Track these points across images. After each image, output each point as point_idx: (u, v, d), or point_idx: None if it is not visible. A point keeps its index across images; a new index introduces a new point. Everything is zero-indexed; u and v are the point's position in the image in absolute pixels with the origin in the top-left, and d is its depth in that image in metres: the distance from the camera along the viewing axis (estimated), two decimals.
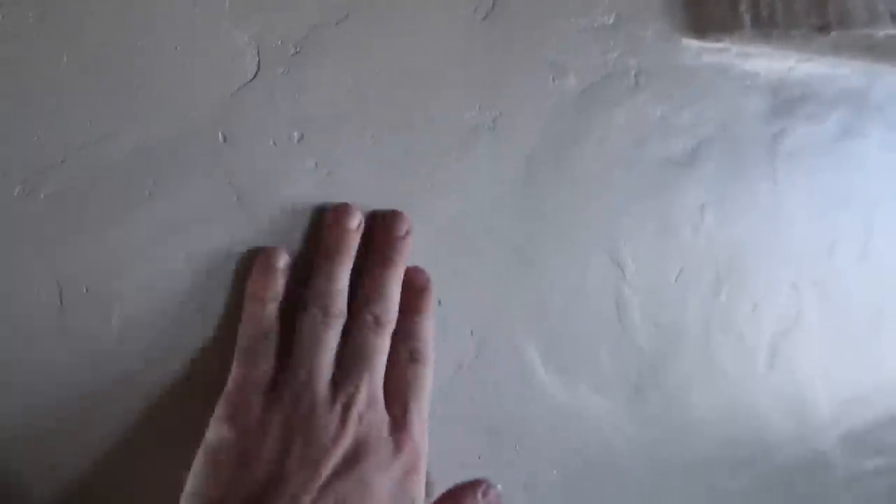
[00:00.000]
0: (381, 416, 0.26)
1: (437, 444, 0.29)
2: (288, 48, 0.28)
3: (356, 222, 0.28)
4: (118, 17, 0.25)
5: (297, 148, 0.29)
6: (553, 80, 0.35)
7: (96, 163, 0.26)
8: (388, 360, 0.27)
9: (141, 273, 0.26)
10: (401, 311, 0.28)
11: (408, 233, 0.29)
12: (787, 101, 0.43)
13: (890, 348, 0.51)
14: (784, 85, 0.43)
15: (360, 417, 0.25)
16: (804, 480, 0.47)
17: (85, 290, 0.26)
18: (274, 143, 0.28)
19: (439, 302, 0.31)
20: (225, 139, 0.27)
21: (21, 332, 0.25)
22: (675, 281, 0.39)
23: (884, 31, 0.42)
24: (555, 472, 0.36)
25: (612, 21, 0.36)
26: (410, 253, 0.29)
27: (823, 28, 0.41)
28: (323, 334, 0.26)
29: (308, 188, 0.29)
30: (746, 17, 0.39)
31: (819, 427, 0.47)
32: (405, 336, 0.28)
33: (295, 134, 0.29)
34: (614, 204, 0.37)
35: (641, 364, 0.39)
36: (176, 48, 0.26)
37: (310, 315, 0.26)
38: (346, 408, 0.25)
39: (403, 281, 0.29)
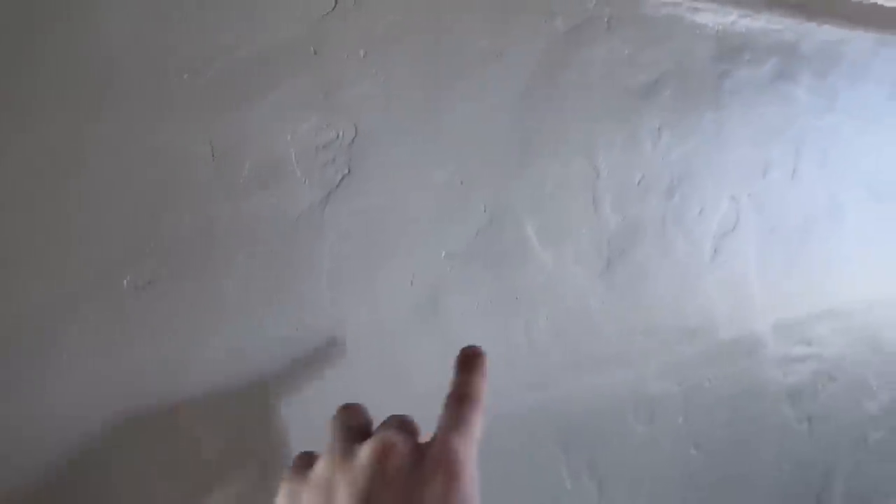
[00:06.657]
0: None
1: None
2: None
3: None
4: None
5: (363, 61, 0.40)
6: (544, 21, 0.46)
7: (228, 64, 0.36)
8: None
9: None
10: (457, 371, 0.33)
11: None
12: (730, 49, 0.55)
13: (817, 255, 0.63)
14: (727, 35, 0.55)
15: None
16: (742, 355, 0.59)
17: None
18: (347, 57, 0.39)
19: (461, 182, 0.42)
20: (315, 52, 0.38)
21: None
22: (638, 184, 0.51)
23: None
24: (546, 319, 0.47)
25: None
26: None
27: None
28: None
29: (368, 88, 0.40)
30: None
31: (754, 313, 0.59)
32: (456, 385, 0.32)
33: (361, 52, 0.39)
34: (591, 121, 0.48)
35: (612, 245, 0.50)
36: None
37: None
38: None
39: (460, 357, 0.33)
